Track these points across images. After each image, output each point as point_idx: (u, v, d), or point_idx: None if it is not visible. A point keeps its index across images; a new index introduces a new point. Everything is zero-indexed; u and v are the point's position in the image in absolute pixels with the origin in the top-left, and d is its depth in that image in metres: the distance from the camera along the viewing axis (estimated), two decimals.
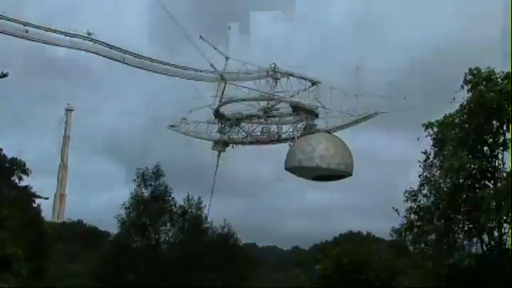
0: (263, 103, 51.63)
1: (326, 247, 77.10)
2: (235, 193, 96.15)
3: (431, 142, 26.66)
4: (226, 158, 53.42)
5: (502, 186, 23.31)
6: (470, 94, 24.85)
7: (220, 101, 51.01)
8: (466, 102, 24.96)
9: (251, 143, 53.49)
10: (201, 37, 50.23)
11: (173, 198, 55.31)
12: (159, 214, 54.32)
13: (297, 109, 50.32)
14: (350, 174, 50.58)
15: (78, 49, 46.30)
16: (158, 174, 54.54)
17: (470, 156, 24.36)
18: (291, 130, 52.03)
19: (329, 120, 50.74)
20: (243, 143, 53.55)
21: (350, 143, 50.91)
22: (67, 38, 45.15)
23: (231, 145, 53.33)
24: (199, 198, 55.74)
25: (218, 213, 56.82)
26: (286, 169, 50.97)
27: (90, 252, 61.33)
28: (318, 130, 50.67)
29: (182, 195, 56.35)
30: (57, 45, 45.50)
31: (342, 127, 50.59)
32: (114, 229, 56.66)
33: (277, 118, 53.01)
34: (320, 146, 49.06)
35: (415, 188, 26.90)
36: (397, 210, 26.64)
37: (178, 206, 55.51)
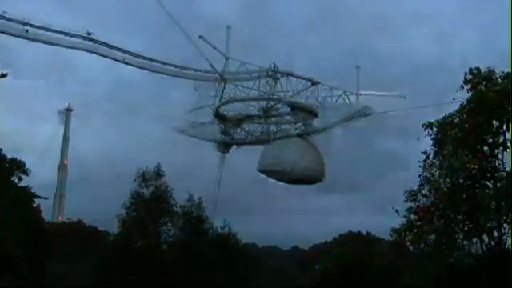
0: (263, 103, 51.65)
1: (325, 247, 77.34)
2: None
3: (431, 142, 26.63)
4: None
5: (502, 185, 23.29)
6: (470, 94, 24.83)
7: (220, 101, 51.01)
8: (466, 102, 24.94)
9: (251, 143, 53.55)
10: (201, 37, 50.23)
11: (173, 199, 55.25)
12: (160, 214, 54.23)
13: (295, 108, 50.27)
14: (321, 180, 50.38)
15: (78, 49, 46.40)
16: (158, 173, 54.40)
17: (470, 156, 24.34)
18: (291, 129, 52.04)
19: (325, 118, 50.72)
20: (244, 144, 53.63)
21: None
22: (67, 38, 45.25)
23: (234, 146, 53.57)
24: (200, 199, 55.67)
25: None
26: (257, 170, 50.98)
27: (90, 252, 61.21)
28: (291, 133, 50.59)
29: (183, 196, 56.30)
30: (57, 45, 45.58)
31: (337, 124, 50.42)
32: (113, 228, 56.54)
33: (276, 118, 53.00)
34: (289, 150, 48.89)
35: (415, 188, 26.88)
36: (397, 210, 26.62)
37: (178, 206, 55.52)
